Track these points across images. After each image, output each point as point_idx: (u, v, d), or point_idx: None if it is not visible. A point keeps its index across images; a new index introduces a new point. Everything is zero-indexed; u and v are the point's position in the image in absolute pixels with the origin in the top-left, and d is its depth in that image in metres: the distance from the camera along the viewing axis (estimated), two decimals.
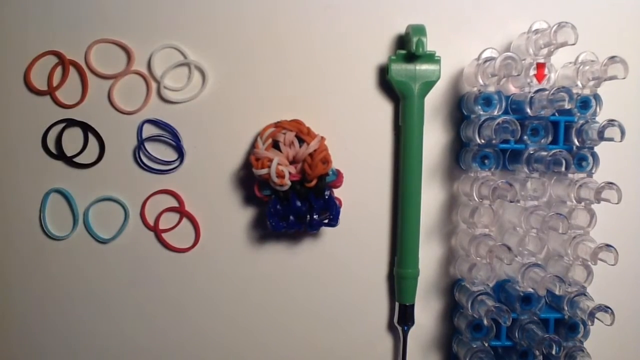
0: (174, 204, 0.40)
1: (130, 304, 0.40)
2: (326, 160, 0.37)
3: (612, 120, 0.34)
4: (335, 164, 0.38)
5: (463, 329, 0.38)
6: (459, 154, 0.40)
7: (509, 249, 0.35)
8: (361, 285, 0.41)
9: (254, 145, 0.39)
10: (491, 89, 0.37)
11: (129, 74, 0.39)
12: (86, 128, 0.39)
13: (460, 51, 0.39)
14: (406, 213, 0.39)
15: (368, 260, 0.41)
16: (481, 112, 0.36)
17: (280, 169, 0.36)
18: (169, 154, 0.39)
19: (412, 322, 0.40)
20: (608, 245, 0.35)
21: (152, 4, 0.38)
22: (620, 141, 0.34)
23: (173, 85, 0.39)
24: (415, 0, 0.39)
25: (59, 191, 0.39)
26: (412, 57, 0.38)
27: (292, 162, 0.37)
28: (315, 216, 0.37)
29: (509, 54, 0.34)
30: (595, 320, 0.35)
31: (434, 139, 0.40)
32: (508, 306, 0.36)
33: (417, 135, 0.38)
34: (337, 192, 0.39)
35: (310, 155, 0.37)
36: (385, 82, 0.39)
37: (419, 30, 0.37)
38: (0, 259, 0.40)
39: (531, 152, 0.36)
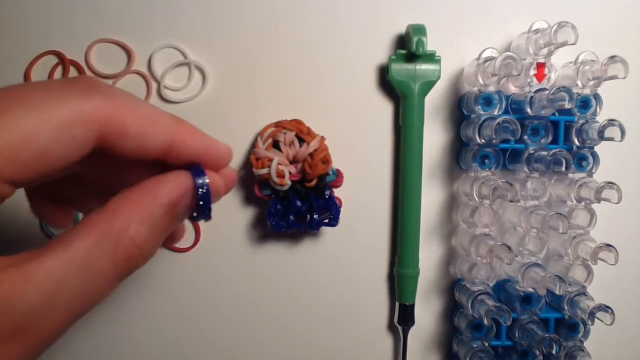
0: None
1: (130, 303, 0.40)
2: (326, 160, 0.37)
3: (612, 120, 0.34)
4: (335, 164, 0.38)
5: (463, 328, 0.38)
6: (459, 153, 0.40)
7: (509, 248, 0.35)
8: (361, 285, 0.41)
9: (254, 145, 0.39)
10: (491, 88, 0.37)
11: (129, 73, 0.39)
12: None
13: (460, 51, 0.39)
14: (406, 213, 0.39)
15: (368, 260, 0.41)
16: (481, 112, 0.36)
17: (281, 168, 0.36)
18: None
19: (412, 322, 0.40)
20: (608, 245, 0.35)
21: (152, 4, 0.38)
22: (620, 141, 0.34)
23: (173, 85, 0.39)
24: (415, 0, 0.39)
25: None
26: (412, 57, 0.38)
27: (292, 161, 0.37)
28: (315, 216, 0.37)
29: (509, 53, 0.34)
30: (596, 320, 0.35)
31: (434, 139, 0.40)
32: (508, 306, 0.36)
33: (417, 135, 0.38)
34: (337, 192, 0.39)
35: (311, 155, 0.37)
36: (385, 82, 0.39)
37: (419, 30, 0.37)
38: None
39: (531, 151, 0.36)
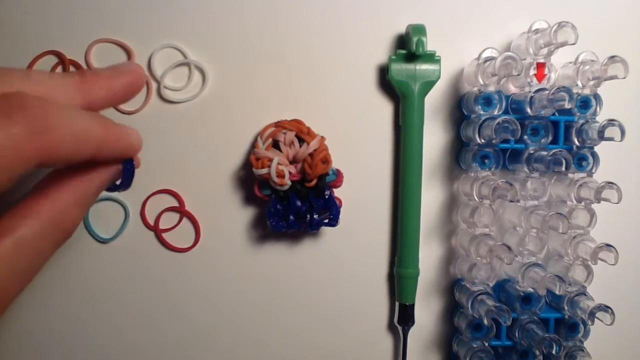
0: (174, 203, 0.40)
1: (130, 303, 0.40)
2: (326, 160, 0.37)
3: (612, 120, 0.34)
4: (335, 164, 0.38)
5: (463, 328, 0.38)
6: (459, 153, 0.40)
7: (509, 248, 0.35)
8: (361, 285, 0.41)
9: (254, 145, 0.39)
10: (491, 88, 0.37)
11: None
12: None
13: (460, 51, 0.39)
14: (406, 213, 0.39)
15: (368, 260, 0.41)
16: (481, 112, 0.36)
17: (281, 168, 0.36)
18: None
19: (412, 322, 0.40)
20: (608, 245, 0.35)
21: (152, 4, 0.38)
22: (620, 141, 0.34)
23: (173, 85, 0.39)
24: (415, 0, 0.39)
25: None
26: (412, 57, 0.38)
27: (292, 161, 0.37)
28: (315, 216, 0.37)
29: (509, 53, 0.34)
30: (596, 320, 0.35)
31: (434, 139, 0.40)
32: (508, 306, 0.36)
33: (417, 135, 0.38)
34: (337, 192, 0.39)
35: (310, 155, 0.37)
36: (385, 82, 0.39)
37: (419, 30, 0.37)
38: None
39: (531, 151, 0.36)
